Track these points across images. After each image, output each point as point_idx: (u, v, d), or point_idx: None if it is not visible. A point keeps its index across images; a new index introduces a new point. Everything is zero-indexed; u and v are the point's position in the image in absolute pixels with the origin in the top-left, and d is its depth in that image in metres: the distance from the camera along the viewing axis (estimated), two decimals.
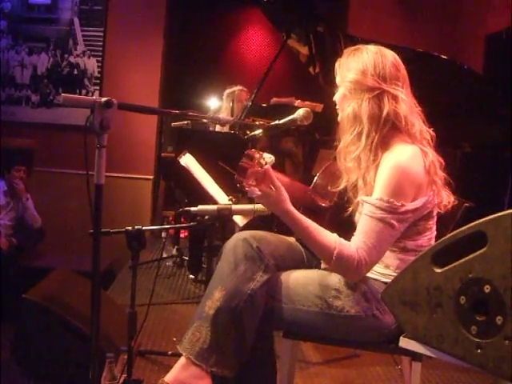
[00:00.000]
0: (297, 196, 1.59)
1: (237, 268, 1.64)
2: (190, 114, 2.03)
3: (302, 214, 1.57)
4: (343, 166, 1.71)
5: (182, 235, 4.93)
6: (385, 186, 1.55)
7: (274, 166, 1.55)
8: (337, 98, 1.72)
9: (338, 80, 1.72)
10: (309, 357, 2.70)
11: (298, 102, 4.36)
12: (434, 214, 1.67)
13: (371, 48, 1.69)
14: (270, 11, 3.94)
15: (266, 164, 1.49)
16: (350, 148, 1.65)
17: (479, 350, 1.15)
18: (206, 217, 1.86)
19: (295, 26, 3.80)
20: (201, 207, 1.85)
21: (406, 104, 1.64)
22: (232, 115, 3.78)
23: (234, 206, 1.82)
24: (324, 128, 3.28)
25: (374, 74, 1.63)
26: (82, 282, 2.65)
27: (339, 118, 1.72)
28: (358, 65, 1.65)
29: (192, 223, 1.89)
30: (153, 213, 5.38)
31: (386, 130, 1.62)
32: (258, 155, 1.47)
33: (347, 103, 1.66)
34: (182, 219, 4.84)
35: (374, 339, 1.65)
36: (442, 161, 1.67)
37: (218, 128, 3.98)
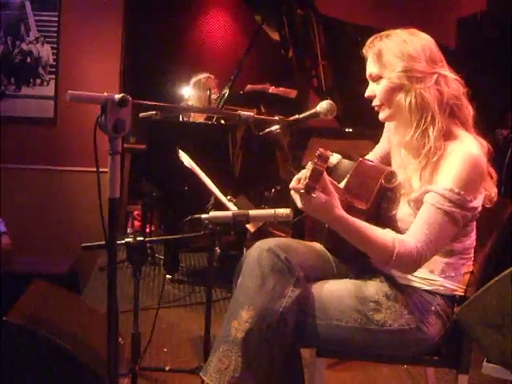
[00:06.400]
0: None
1: (264, 283, 1.46)
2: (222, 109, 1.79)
3: None
4: (400, 161, 1.56)
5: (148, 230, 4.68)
6: (456, 177, 1.39)
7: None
8: (381, 91, 1.51)
9: (374, 71, 1.52)
10: (312, 363, 2.54)
11: (272, 89, 4.22)
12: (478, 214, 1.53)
13: (403, 32, 1.51)
14: None
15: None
16: (417, 142, 1.46)
17: None
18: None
19: (271, 10, 3.59)
20: (214, 214, 1.64)
21: (455, 84, 1.49)
22: (209, 104, 3.55)
23: (252, 212, 1.62)
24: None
25: (426, 58, 1.46)
26: (61, 295, 2.41)
27: (385, 114, 1.54)
28: (405, 51, 1.46)
29: (202, 231, 1.67)
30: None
31: (447, 117, 1.46)
32: (330, 156, 1.27)
33: (401, 95, 1.47)
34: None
35: (417, 352, 1.52)
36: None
37: (191, 119, 3.75)
